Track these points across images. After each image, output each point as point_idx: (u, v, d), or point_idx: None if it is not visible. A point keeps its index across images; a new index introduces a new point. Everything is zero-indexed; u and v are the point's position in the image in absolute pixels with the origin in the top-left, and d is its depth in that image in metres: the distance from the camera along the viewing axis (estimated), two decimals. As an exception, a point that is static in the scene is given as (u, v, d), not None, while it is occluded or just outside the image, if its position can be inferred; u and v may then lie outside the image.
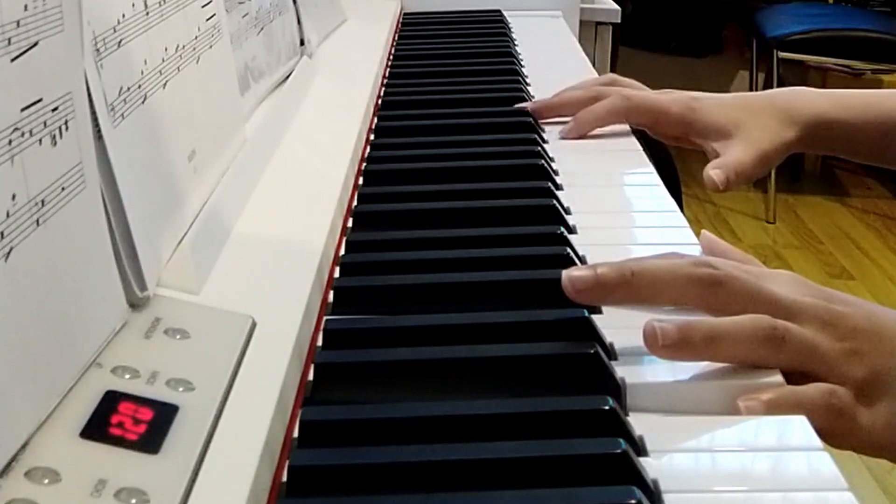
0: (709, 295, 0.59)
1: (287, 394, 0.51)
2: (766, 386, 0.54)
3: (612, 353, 0.57)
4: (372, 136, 0.96)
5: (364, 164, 0.88)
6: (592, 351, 0.54)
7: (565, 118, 0.99)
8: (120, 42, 0.55)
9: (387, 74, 1.19)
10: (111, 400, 0.44)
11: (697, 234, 0.71)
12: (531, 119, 0.99)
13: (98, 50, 0.53)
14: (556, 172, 0.86)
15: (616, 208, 0.79)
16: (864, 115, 0.94)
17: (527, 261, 0.66)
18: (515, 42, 1.37)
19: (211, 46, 0.72)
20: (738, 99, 0.99)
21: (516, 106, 1.03)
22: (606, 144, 0.95)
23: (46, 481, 0.39)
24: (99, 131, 0.50)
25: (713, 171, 0.92)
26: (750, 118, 0.95)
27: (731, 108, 0.97)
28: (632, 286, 0.59)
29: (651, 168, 0.89)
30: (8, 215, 0.40)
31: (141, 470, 0.41)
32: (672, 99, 0.97)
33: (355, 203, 0.79)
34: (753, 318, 0.57)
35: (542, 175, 0.83)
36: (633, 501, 0.43)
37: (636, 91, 1.00)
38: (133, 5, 0.58)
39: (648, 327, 0.55)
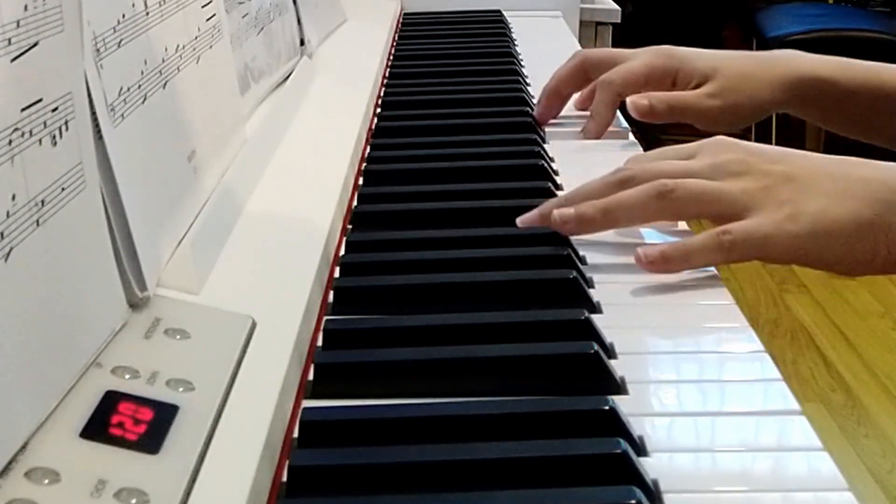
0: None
1: (287, 394, 0.51)
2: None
3: (612, 353, 0.57)
4: (372, 137, 0.96)
5: (364, 164, 0.88)
6: (592, 351, 0.54)
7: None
8: (120, 42, 0.55)
9: (387, 74, 1.19)
10: (111, 400, 0.44)
11: (697, 232, 0.71)
12: (531, 119, 0.99)
13: (98, 50, 0.52)
14: (556, 172, 0.86)
15: (616, 208, 0.79)
16: (864, 80, 0.91)
17: (527, 261, 0.66)
18: (515, 42, 1.37)
19: (211, 46, 0.72)
20: (721, 51, 0.97)
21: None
22: (606, 144, 0.95)
23: (46, 481, 0.39)
24: (99, 131, 0.50)
25: (637, 97, 0.92)
26: (731, 63, 0.93)
27: (713, 54, 0.95)
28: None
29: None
30: (8, 215, 0.40)
31: (141, 470, 0.41)
32: (651, 52, 0.96)
33: (355, 203, 0.79)
34: (643, 186, 0.67)
35: (542, 175, 0.83)
36: (633, 501, 0.43)
37: (612, 71, 0.96)
38: (133, 5, 0.58)
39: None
